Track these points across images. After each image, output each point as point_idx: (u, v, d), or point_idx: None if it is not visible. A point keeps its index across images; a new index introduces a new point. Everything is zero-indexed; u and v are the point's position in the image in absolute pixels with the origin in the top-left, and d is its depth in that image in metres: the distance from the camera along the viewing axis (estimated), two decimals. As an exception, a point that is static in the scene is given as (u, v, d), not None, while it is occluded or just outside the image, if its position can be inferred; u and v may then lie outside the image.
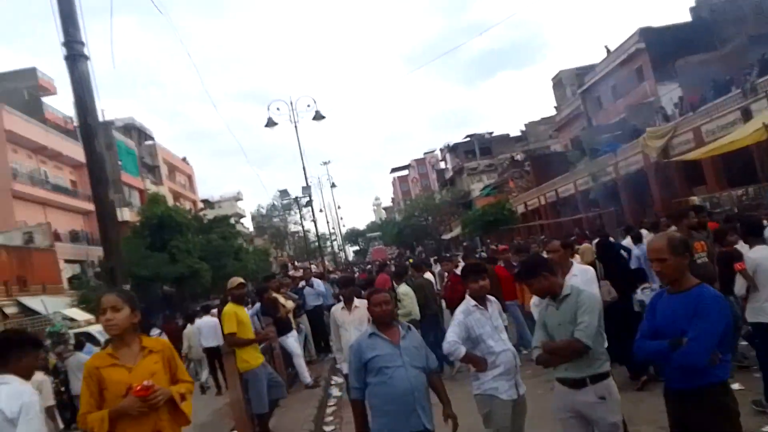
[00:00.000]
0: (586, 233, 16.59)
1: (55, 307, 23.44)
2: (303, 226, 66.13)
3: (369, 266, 39.16)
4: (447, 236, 58.42)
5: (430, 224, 63.15)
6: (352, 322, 5.61)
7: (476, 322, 3.72)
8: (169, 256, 29.56)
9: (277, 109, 21.85)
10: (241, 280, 6.67)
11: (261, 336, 6.29)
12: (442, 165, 78.18)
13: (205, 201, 65.67)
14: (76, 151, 35.26)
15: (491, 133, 68.16)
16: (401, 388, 3.32)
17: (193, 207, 53.46)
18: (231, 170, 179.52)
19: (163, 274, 27.82)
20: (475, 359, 3.64)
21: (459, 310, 3.80)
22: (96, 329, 18.21)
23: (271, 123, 21.62)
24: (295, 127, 21.76)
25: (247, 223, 78.74)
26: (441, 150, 74.60)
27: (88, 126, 4.64)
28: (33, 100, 35.99)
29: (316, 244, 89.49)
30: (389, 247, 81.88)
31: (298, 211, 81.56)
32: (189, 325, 12.42)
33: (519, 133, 64.48)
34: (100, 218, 4.62)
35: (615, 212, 24.63)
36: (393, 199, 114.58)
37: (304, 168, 20.94)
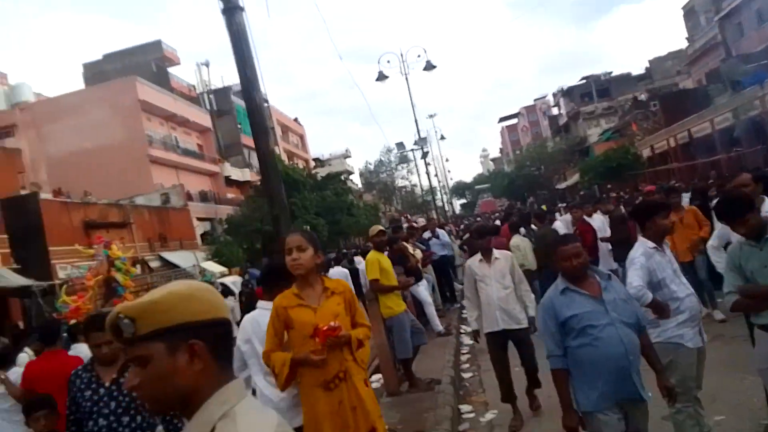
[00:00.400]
0: (726, 175, 15.02)
1: (192, 261, 25.54)
2: (419, 178, 65.74)
3: (478, 219, 38.57)
4: (562, 185, 55.88)
5: (542, 174, 60.71)
6: (492, 275, 5.10)
7: (657, 265, 3.36)
8: (289, 213, 30.95)
9: (388, 62, 21.68)
10: (381, 227, 6.69)
11: (403, 283, 6.28)
12: (555, 111, 74.31)
13: (316, 159, 67.85)
14: (201, 117, 37.65)
15: (609, 73, 63.37)
16: (612, 350, 2.79)
17: (305, 166, 55.41)
18: (339, 128, 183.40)
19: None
20: (660, 306, 3.29)
21: (638, 253, 3.41)
22: (229, 280, 19.66)
23: (381, 77, 21.50)
24: (406, 78, 21.42)
25: (356, 180, 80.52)
26: (554, 95, 70.68)
27: (247, 78, 4.67)
28: (160, 71, 38.66)
29: (424, 198, 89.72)
30: (498, 199, 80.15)
31: (406, 165, 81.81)
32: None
33: (642, 71, 59.40)
34: (263, 167, 4.64)
35: (761, 151, 22.03)
36: (501, 149, 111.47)
37: (416, 120, 20.67)
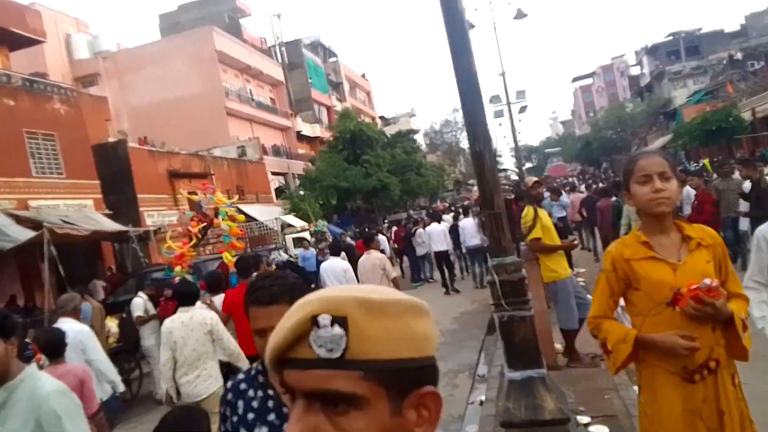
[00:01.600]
0: None
1: (270, 214, 25.58)
2: (516, 133, 64.19)
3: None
4: (652, 146, 52.85)
5: (621, 137, 57.54)
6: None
7: None
8: (361, 169, 30.45)
9: (475, 9, 20.31)
10: (536, 178, 5.91)
11: (567, 244, 5.54)
12: (636, 70, 69.94)
13: (381, 117, 66.93)
14: (274, 69, 37.33)
15: (699, 29, 58.73)
16: None
17: (373, 123, 54.72)
18: (404, 86, 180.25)
19: (360, 186, 28.77)
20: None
21: None
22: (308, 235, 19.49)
23: (468, 26, 20.19)
24: (494, 27, 20.03)
25: (419, 140, 79.28)
26: (636, 53, 66.30)
27: (450, 8, 3.88)
28: (232, 21, 38.39)
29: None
30: (569, 164, 76.99)
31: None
32: (420, 230, 13.22)
33: (737, 28, 54.82)
34: (463, 89, 3.83)
35: None
36: (573, 111, 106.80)
37: (503, 75, 19.26)
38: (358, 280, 7.33)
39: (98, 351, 4.89)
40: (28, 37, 18.27)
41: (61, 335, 3.96)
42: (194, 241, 9.10)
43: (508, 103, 21.46)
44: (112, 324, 6.98)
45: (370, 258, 7.38)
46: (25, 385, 1.97)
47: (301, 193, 28.99)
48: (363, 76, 61.68)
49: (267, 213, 25.95)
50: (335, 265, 7.56)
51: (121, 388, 5.19)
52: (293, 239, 19.48)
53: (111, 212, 17.52)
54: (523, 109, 20.79)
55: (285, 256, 15.64)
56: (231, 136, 30.28)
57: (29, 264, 14.54)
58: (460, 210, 15.00)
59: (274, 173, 32.03)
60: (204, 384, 4.54)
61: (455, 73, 3.87)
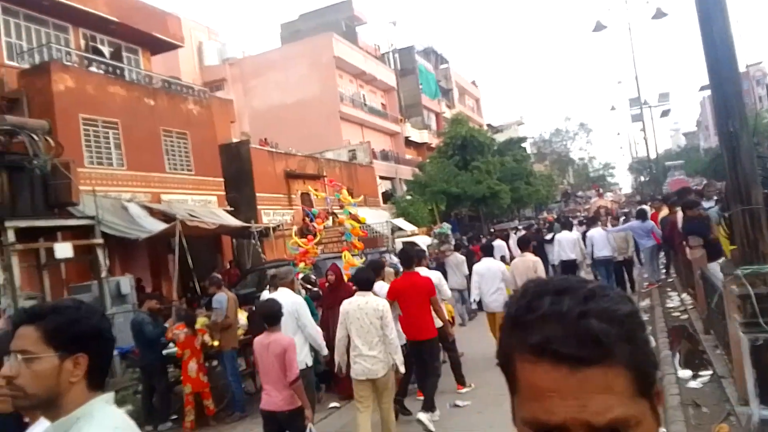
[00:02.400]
0: None
1: (378, 218, 25.70)
2: (647, 145, 61.15)
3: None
4: None
5: (758, 149, 52.30)
6: None
7: None
8: (471, 176, 29.83)
9: (608, 9, 19.07)
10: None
11: None
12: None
13: (489, 125, 65.71)
14: (387, 75, 37.72)
15: None
16: None
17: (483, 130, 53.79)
18: (513, 94, 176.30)
19: (470, 193, 28.18)
20: None
21: None
22: (419, 240, 19.15)
23: (599, 27, 19.05)
24: (629, 28, 18.68)
25: (527, 149, 76.88)
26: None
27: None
28: (349, 29, 39.28)
29: (604, 172, 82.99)
30: (692, 178, 71.11)
31: (586, 135, 76.27)
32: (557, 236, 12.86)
33: None
34: (717, 74, 3.26)
35: None
36: (699, 122, 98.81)
37: (636, 79, 17.84)
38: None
39: (309, 318, 5.58)
40: (169, 42, 19.61)
41: (278, 306, 4.59)
42: (318, 237, 9.10)
43: (648, 106, 19.96)
44: (241, 316, 7.05)
45: (525, 260, 8.02)
46: (77, 426, 1.34)
47: (408, 197, 28.89)
48: (473, 83, 60.92)
49: (375, 216, 26.07)
50: (491, 266, 8.08)
51: (325, 351, 5.80)
52: (403, 242, 19.32)
53: (232, 209, 18.32)
54: (665, 113, 19.24)
55: (396, 260, 15.47)
56: (343, 139, 30.86)
57: (158, 254, 15.49)
58: (584, 221, 14.24)
59: (382, 177, 32.25)
60: (380, 364, 4.98)
61: (703, 38, 3.31)
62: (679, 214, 6.89)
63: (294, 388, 4.28)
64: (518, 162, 38.34)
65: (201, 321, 6.86)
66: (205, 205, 17.35)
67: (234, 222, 16.19)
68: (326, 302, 7.27)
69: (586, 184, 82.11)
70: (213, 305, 6.92)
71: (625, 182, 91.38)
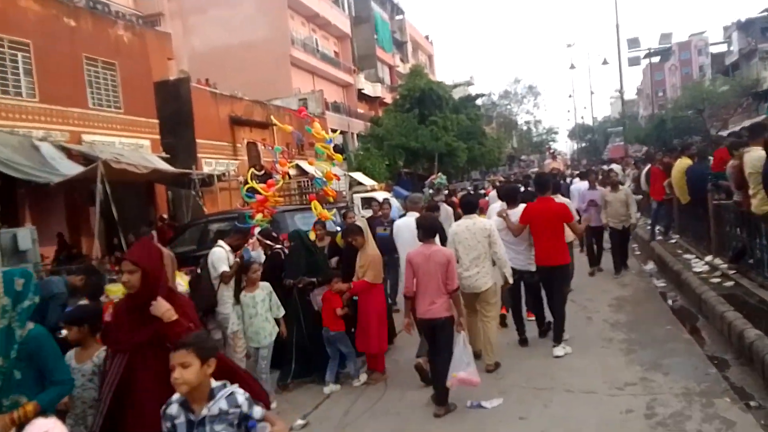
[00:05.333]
0: None
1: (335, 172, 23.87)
2: (592, 109, 61.02)
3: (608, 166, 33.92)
4: (724, 133, 48.71)
5: (699, 118, 53.30)
6: None
7: None
8: (430, 131, 28.33)
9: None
10: None
11: None
12: (719, 48, 64.60)
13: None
14: (341, 20, 35.15)
15: (803, 5, 53.25)
16: None
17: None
18: (464, 51, 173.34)
19: (429, 149, 26.70)
20: None
21: None
22: (379, 195, 17.39)
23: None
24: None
25: (479, 109, 75.91)
26: (725, 28, 61.21)
27: None
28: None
29: (546, 136, 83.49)
30: (631, 145, 72.29)
31: (533, 99, 76.12)
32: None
33: None
34: None
35: None
36: (640, 90, 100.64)
37: (617, 26, 16.43)
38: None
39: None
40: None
41: (436, 220, 5.50)
42: (281, 183, 7.35)
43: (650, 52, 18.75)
44: (181, 281, 5.24)
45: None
46: None
47: (363, 152, 27.07)
48: (426, 38, 58.79)
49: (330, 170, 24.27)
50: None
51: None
52: (362, 199, 17.68)
53: (168, 156, 16.07)
54: (665, 57, 18.05)
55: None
56: (293, 87, 28.52)
57: (78, 206, 13.19)
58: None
59: (333, 130, 30.09)
60: (483, 279, 5.36)
61: None
62: (751, 155, 5.53)
63: (454, 296, 4.62)
64: (472, 121, 37.10)
65: (114, 290, 4.98)
66: (135, 150, 15.04)
67: (170, 168, 14.00)
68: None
69: (528, 149, 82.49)
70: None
71: (564, 148, 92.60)
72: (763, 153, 5.39)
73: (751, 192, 5.69)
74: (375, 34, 39.57)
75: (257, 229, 6.57)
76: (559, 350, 5.52)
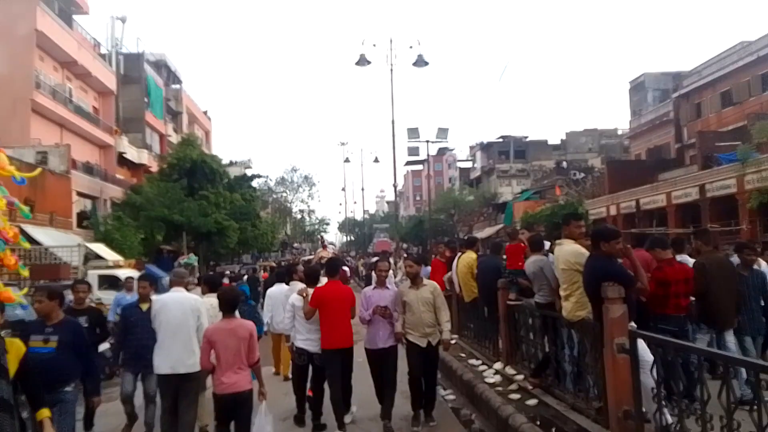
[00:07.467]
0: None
1: (66, 241, 19.68)
2: (363, 204, 62.52)
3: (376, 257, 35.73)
4: (479, 235, 55.37)
5: (450, 222, 60.03)
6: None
7: None
8: (199, 206, 25.88)
9: (374, 45, 18.25)
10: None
11: None
12: (466, 164, 74.98)
13: (216, 162, 61.84)
14: (106, 75, 31.43)
15: (527, 137, 65.11)
16: None
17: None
18: (243, 134, 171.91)
19: (195, 224, 24.08)
20: None
21: None
22: (124, 273, 14.38)
23: (363, 61, 18.03)
24: (391, 69, 18.13)
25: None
26: (471, 147, 71.65)
27: None
28: (63, 15, 31.92)
29: (318, 227, 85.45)
30: (394, 241, 78.07)
31: (309, 189, 77.90)
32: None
33: (558, 142, 62.39)
34: None
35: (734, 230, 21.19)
36: (401, 192, 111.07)
37: (393, 124, 17.13)
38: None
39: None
40: None
41: (238, 294, 5.39)
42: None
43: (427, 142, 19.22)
44: None
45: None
46: None
47: (113, 222, 23.25)
48: (205, 113, 56.68)
49: (63, 240, 19.99)
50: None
51: None
52: (100, 276, 14.46)
53: None
54: (442, 151, 18.86)
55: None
56: (32, 137, 23.84)
57: None
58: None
59: (80, 194, 25.69)
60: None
61: None
62: (564, 248, 4.88)
63: (256, 368, 4.74)
64: (247, 201, 35.52)
65: None
66: None
67: None
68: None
69: (301, 236, 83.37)
70: None
71: (335, 239, 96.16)
72: (578, 247, 4.85)
73: (562, 293, 5.05)
74: (146, 97, 36.33)
75: None
76: None
